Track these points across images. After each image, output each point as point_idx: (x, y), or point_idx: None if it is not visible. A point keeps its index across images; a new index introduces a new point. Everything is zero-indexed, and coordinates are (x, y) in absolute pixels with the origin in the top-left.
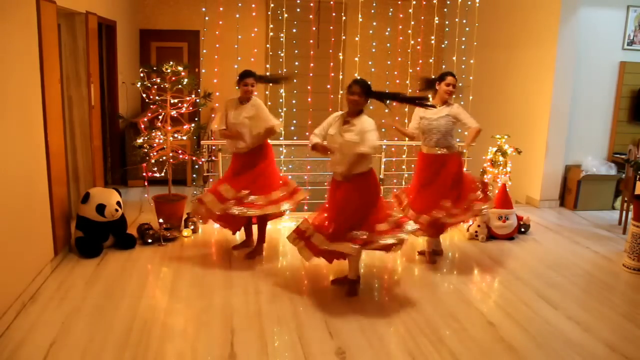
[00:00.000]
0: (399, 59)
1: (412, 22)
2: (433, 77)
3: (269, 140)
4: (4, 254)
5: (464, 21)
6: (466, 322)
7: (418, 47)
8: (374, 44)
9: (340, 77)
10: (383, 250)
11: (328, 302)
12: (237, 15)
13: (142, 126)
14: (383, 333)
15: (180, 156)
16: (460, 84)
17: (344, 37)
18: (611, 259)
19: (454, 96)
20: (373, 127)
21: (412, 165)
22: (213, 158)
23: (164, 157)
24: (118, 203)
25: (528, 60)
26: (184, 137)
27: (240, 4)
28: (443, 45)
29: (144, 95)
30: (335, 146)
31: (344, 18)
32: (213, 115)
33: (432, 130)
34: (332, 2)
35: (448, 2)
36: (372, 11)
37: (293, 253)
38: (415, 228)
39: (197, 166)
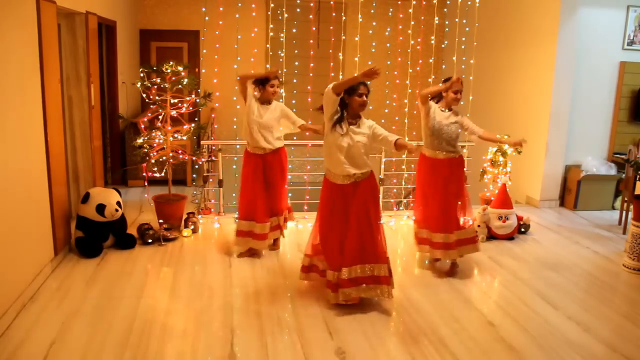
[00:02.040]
0: (399, 59)
1: (412, 22)
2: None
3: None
4: (4, 254)
5: (464, 21)
6: (466, 322)
7: (418, 47)
8: (374, 44)
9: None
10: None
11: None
12: (237, 15)
13: (142, 126)
14: (383, 333)
15: (180, 156)
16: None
17: (344, 37)
18: (611, 259)
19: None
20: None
21: (412, 165)
22: (213, 158)
23: (164, 157)
24: (118, 203)
25: (528, 60)
26: (184, 137)
27: (240, 4)
28: (443, 45)
29: (144, 95)
30: (344, 145)
31: (344, 18)
32: (213, 116)
33: (443, 135)
34: (332, 2)
35: (448, 2)
36: (372, 11)
37: (293, 253)
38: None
39: (197, 166)
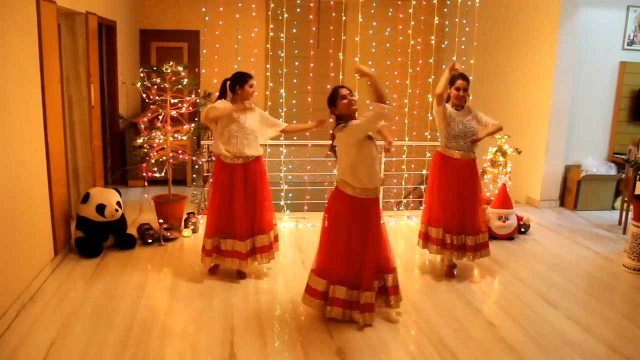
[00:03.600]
0: (399, 59)
1: (412, 22)
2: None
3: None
4: (4, 254)
5: (464, 21)
6: (466, 322)
7: (418, 47)
8: (374, 44)
9: (341, 77)
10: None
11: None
12: (237, 15)
13: (142, 126)
14: (383, 333)
15: (180, 156)
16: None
17: (344, 37)
18: (611, 259)
19: (465, 102)
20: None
21: (412, 166)
22: (213, 158)
23: (164, 157)
24: (118, 203)
25: (528, 61)
26: (184, 137)
27: (240, 4)
28: (443, 46)
29: (144, 95)
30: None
31: (344, 18)
32: None
33: (467, 134)
34: (332, 2)
35: (448, 2)
36: (372, 11)
37: (293, 253)
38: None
39: (197, 166)
